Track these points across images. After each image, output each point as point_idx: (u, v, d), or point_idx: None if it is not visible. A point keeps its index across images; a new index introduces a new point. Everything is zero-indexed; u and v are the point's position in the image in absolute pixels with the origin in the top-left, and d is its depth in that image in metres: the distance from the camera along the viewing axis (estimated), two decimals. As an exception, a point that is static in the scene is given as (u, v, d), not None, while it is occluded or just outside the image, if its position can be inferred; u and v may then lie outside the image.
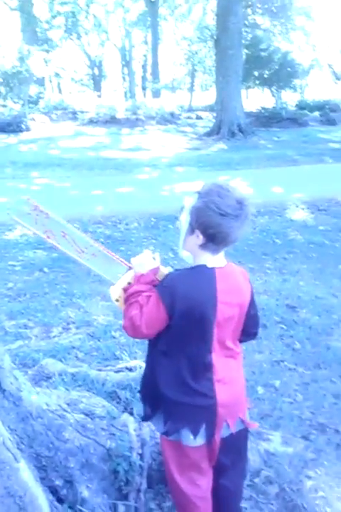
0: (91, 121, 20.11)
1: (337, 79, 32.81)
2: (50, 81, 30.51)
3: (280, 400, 3.02)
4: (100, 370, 3.23)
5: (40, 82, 23.85)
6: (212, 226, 1.70)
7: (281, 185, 9.80)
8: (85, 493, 2.07)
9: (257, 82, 24.79)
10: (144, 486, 2.22)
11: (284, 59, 23.08)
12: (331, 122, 21.33)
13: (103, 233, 6.64)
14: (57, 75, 26.79)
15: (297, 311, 4.26)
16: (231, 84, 16.83)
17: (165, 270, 1.91)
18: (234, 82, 16.92)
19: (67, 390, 2.88)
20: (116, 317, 4.08)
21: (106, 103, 21.57)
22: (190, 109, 25.25)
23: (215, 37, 17.72)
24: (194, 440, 1.80)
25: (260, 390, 3.12)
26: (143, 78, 35.06)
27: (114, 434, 2.31)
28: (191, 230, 1.76)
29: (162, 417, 1.85)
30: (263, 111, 21.58)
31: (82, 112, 21.31)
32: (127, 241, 6.29)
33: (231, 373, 1.83)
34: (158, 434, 2.43)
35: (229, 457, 1.92)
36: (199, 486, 1.89)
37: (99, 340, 3.69)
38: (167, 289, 1.74)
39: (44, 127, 19.05)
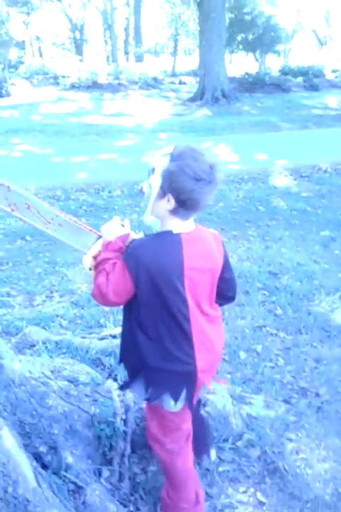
0: (73, 87, 19.65)
1: (321, 44, 32.52)
2: (31, 45, 29.62)
3: (262, 364, 3.06)
4: (84, 337, 3.23)
5: (21, 45, 23.16)
6: (185, 191, 1.64)
7: (265, 151, 9.75)
8: (69, 459, 2.08)
9: (241, 46, 24.38)
10: (128, 450, 2.24)
11: (268, 23, 22.71)
12: (314, 88, 21.17)
13: (86, 201, 6.56)
14: (37, 38, 25.97)
15: (279, 277, 4.29)
16: (214, 49, 16.53)
17: (137, 236, 1.86)
18: (218, 46, 16.62)
19: (51, 357, 2.88)
20: (100, 285, 4.06)
21: (88, 68, 21.06)
22: (174, 74, 24.80)
23: (198, -1, 17.31)
24: (174, 406, 1.81)
25: (242, 354, 3.16)
26: (126, 42, 34.25)
27: (97, 401, 2.33)
28: (162, 194, 1.69)
29: (143, 383, 1.84)
30: (246, 76, 21.31)
31: (63, 77, 20.79)
32: (110, 209, 6.23)
33: (211, 338, 1.82)
34: (141, 400, 2.46)
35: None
36: (181, 443, 1.94)
37: (82, 308, 3.68)
38: (131, 256, 1.71)
39: (25, 92, 18.58)
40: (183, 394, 1.80)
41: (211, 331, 1.83)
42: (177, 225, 1.72)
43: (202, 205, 1.71)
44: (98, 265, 1.82)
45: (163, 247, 1.71)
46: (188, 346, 1.76)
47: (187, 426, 1.94)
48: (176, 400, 1.80)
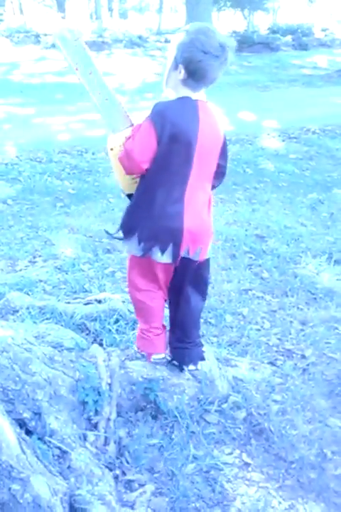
0: (55, 45, 19.07)
1: (310, 1, 31.80)
2: (11, 2, 28.54)
3: (248, 327, 3.06)
4: (68, 302, 3.19)
5: (0, 3, 22.30)
6: (193, 61, 1.87)
7: (253, 112, 9.61)
8: (54, 425, 2.06)
9: (228, 3, 23.79)
10: (114, 415, 2.23)
11: (256, -21, 22.14)
12: (303, 47, 20.80)
13: (69, 163, 6.40)
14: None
15: (266, 240, 4.27)
16: (201, 6, 16.09)
17: None
18: (205, 4, 16.19)
19: (35, 323, 2.84)
20: (84, 250, 4.01)
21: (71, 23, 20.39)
22: (159, 32, 24.16)
23: None
24: (161, 256, 2.09)
25: (228, 318, 3.15)
26: (110, -1, 33.20)
27: (82, 366, 2.30)
28: (175, 65, 1.94)
29: (136, 240, 2.10)
30: (234, 35, 20.85)
31: (45, 35, 20.12)
32: (94, 171, 6.10)
33: (200, 207, 2.08)
34: (127, 363, 2.44)
35: (193, 284, 2.25)
36: (157, 292, 2.30)
37: (66, 274, 3.62)
38: (158, 114, 1.92)
39: (5, 51, 17.98)
40: (170, 248, 2.06)
41: (201, 201, 2.09)
42: (192, 94, 1.96)
43: (210, 77, 1.93)
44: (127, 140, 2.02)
45: (184, 109, 1.95)
46: (180, 205, 2.02)
47: (163, 277, 2.24)
48: (163, 252, 2.07)
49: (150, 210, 2.04)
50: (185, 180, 2.00)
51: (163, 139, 1.92)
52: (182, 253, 2.11)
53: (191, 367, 2.40)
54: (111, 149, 2.05)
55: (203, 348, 2.46)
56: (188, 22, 14.18)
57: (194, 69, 1.89)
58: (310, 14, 29.07)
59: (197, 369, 2.41)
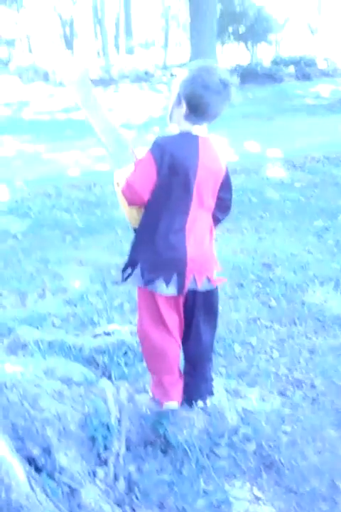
0: (64, 84, 19.49)
1: (312, 33, 32.39)
2: (20, 41, 29.36)
3: (257, 357, 3.05)
4: (77, 336, 3.21)
5: (10, 43, 22.97)
6: (194, 97, 1.94)
7: (257, 142, 9.72)
8: (63, 461, 2.06)
9: (232, 37, 24.29)
10: (123, 450, 2.22)
11: (259, 13, 22.63)
12: (306, 77, 21.06)
13: (77, 197, 6.51)
14: (27, 35, 25.76)
15: (273, 268, 4.28)
16: (205, 40, 16.44)
17: None
18: (209, 38, 16.53)
19: (44, 357, 2.86)
20: (93, 282, 4.05)
21: (79, 63, 20.89)
22: (165, 67, 24.67)
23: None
24: (166, 289, 2.08)
25: (237, 348, 3.14)
26: (116, 36, 34.03)
27: (91, 400, 2.30)
28: (178, 101, 2.00)
29: (139, 271, 2.12)
30: (238, 67, 21.20)
31: (54, 73, 20.62)
32: (102, 204, 6.19)
33: (201, 236, 2.12)
34: (136, 397, 2.44)
35: (202, 315, 2.24)
36: (169, 333, 2.21)
37: (75, 306, 3.65)
38: (158, 146, 1.99)
39: (15, 89, 18.43)
40: (174, 278, 2.07)
41: (203, 229, 2.12)
42: (194, 129, 2.02)
43: (212, 113, 1.99)
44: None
45: (184, 143, 2.01)
46: (182, 235, 2.05)
47: (173, 316, 2.21)
48: (168, 283, 2.07)
49: (153, 241, 2.07)
50: (186, 210, 2.04)
51: (163, 170, 1.97)
52: (189, 284, 2.11)
53: (200, 403, 2.38)
54: (118, 184, 2.11)
55: (213, 382, 2.45)
56: (193, 56, 14.53)
57: (195, 104, 1.95)
58: (312, 45, 29.54)
59: (205, 405, 2.39)
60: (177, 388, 2.33)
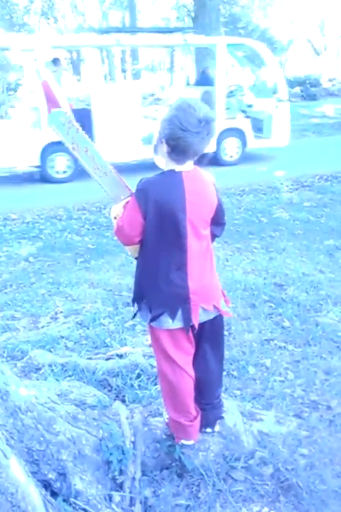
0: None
1: (317, 53, 32.70)
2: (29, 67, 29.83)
3: (272, 379, 3.02)
4: (90, 358, 3.20)
5: (19, 68, 23.34)
6: (173, 137, 1.93)
7: (265, 162, 9.77)
8: (79, 485, 2.04)
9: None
10: (138, 474, 2.20)
11: (263, 36, 22.88)
12: (312, 97, 21.25)
13: (88, 219, 6.56)
14: (35, 60, 26.18)
15: (285, 288, 4.26)
16: (210, 63, 16.62)
17: None
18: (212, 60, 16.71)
19: (57, 380, 2.85)
20: (105, 304, 4.05)
21: (86, 87, 21.18)
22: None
23: (193, 15, 17.46)
24: (172, 323, 2.08)
25: (251, 369, 3.11)
26: (122, 60, 34.54)
27: (106, 424, 2.29)
28: (160, 139, 2.00)
29: (147, 308, 2.13)
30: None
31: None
32: (112, 227, 6.20)
33: (202, 267, 2.10)
34: (150, 420, 2.42)
35: (208, 343, 2.24)
36: (182, 369, 2.17)
37: (87, 329, 3.65)
38: (141, 191, 2.00)
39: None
40: (179, 313, 2.07)
41: (203, 260, 2.11)
42: (176, 166, 2.01)
43: (191, 152, 1.97)
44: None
45: (168, 183, 2.00)
46: (183, 272, 2.06)
47: (188, 348, 2.18)
48: (173, 318, 2.07)
49: (155, 279, 2.08)
50: (183, 248, 2.03)
51: (149, 215, 1.98)
52: (200, 317, 2.11)
53: (208, 430, 2.36)
54: (115, 218, 2.15)
55: (223, 408, 2.41)
56: (198, 79, 14.48)
57: (174, 145, 1.94)
58: (316, 65, 29.80)
59: (213, 431, 2.37)
60: (194, 427, 2.28)
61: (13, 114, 8.55)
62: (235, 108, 10.07)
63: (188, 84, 11.32)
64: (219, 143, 9.37)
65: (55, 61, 9.91)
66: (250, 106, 10.03)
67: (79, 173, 7.94)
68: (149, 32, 10.30)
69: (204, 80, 10.57)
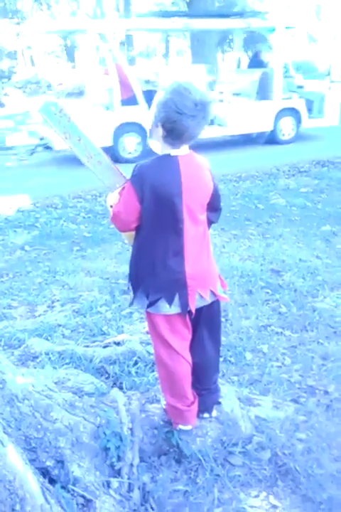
0: (67, 94, 19.61)
1: (312, 40, 32.41)
2: (23, 55, 29.56)
3: (269, 364, 3.02)
4: (87, 346, 3.20)
5: (12, 55, 23.13)
6: (168, 121, 1.90)
7: (261, 148, 9.73)
8: (77, 472, 2.04)
9: (233, 44, 24.36)
10: (136, 460, 2.20)
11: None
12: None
13: (84, 207, 6.52)
14: (29, 47, 25.95)
15: (281, 274, 4.25)
16: (206, 48, 16.49)
17: None
18: (209, 45, 16.59)
19: (55, 368, 2.85)
20: (101, 292, 4.03)
21: (81, 74, 21.01)
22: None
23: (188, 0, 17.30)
24: (169, 308, 2.07)
25: (248, 355, 3.12)
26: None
27: (103, 411, 2.29)
28: (155, 123, 1.97)
29: (143, 294, 2.11)
30: (240, 74, 21.27)
31: (58, 85, 20.70)
32: (108, 214, 6.17)
33: (199, 253, 2.09)
34: (148, 407, 2.42)
35: (205, 328, 2.23)
36: (179, 355, 2.16)
37: (84, 317, 3.64)
38: (136, 177, 1.98)
39: (18, 102, 18.54)
40: (176, 298, 2.06)
41: (199, 245, 2.09)
42: (171, 150, 1.99)
43: (188, 136, 1.94)
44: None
45: (164, 167, 1.98)
46: (180, 257, 2.04)
47: (185, 334, 2.17)
48: (170, 303, 2.05)
49: (153, 265, 2.06)
50: (181, 233, 2.02)
51: (146, 200, 1.96)
52: (198, 302, 2.11)
53: (205, 415, 2.37)
54: (111, 206, 2.12)
55: (220, 393, 2.43)
56: (194, 64, 14.45)
57: (170, 128, 1.92)
58: (311, 52, 29.57)
59: (211, 417, 2.37)
60: (192, 412, 2.28)
61: (87, 95, 8.88)
62: (286, 89, 10.32)
63: (238, 67, 11.57)
64: (276, 122, 9.82)
65: None
66: (300, 87, 10.52)
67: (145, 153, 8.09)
68: (211, 17, 10.48)
69: (256, 62, 10.72)
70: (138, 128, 8.76)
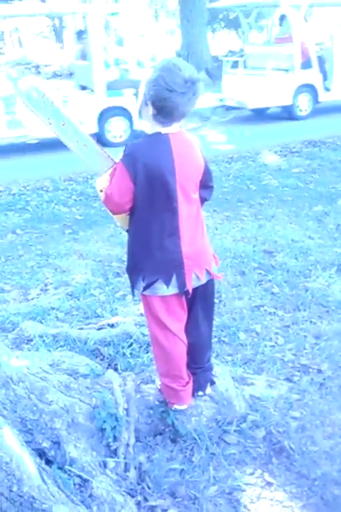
0: (56, 75, 19.31)
1: (305, 19, 32.10)
2: (10, 35, 29.01)
3: (262, 344, 3.04)
4: (81, 328, 3.20)
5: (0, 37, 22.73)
6: (158, 99, 1.88)
7: (253, 129, 9.69)
8: (73, 453, 2.06)
9: (223, 24, 24.11)
10: (132, 440, 2.22)
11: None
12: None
13: (75, 190, 6.47)
14: (16, 29, 25.50)
15: (274, 255, 4.27)
16: (196, 28, 16.32)
17: None
18: (199, 25, 16.42)
19: (49, 351, 2.85)
20: (94, 275, 4.03)
21: (69, 54, 20.72)
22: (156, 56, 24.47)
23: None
24: (167, 289, 2.06)
25: (241, 335, 3.14)
26: (105, 27, 33.74)
27: (98, 392, 2.30)
28: (145, 101, 1.95)
29: (140, 278, 2.09)
30: (230, 54, 21.06)
31: (45, 66, 20.41)
32: (100, 197, 6.14)
33: (194, 232, 2.08)
34: (143, 387, 2.44)
35: (200, 307, 2.23)
36: (175, 335, 2.16)
37: (78, 300, 3.63)
38: (128, 156, 1.97)
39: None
40: (174, 279, 2.05)
41: (194, 224, 2.09)
42: (162, 129, 1.97)
43: (178, 113, 1.94)
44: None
45: (155, 146, 1.97)
46: (176, 237, 2.03)
47: (181, 314, 2.17)
48: (168, 284, 2.05)
49: (149, 247, 2.05)
50: (175, 212, 2.01)
51: (139, 180, 1.94)
52: (194, 282, 2.11)
53: (200, 393, 2.38)
54: (101, 191, 2.09)
55: (213, 371, 2.44)
56: (184, 44, 14.39)
57: (160, 106, 1.90)
58: (304, 29, 29.35)
59: (205, 394, 2.39)
60: (187, 391, 2.29)
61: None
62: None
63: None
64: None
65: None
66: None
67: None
68: None
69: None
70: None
